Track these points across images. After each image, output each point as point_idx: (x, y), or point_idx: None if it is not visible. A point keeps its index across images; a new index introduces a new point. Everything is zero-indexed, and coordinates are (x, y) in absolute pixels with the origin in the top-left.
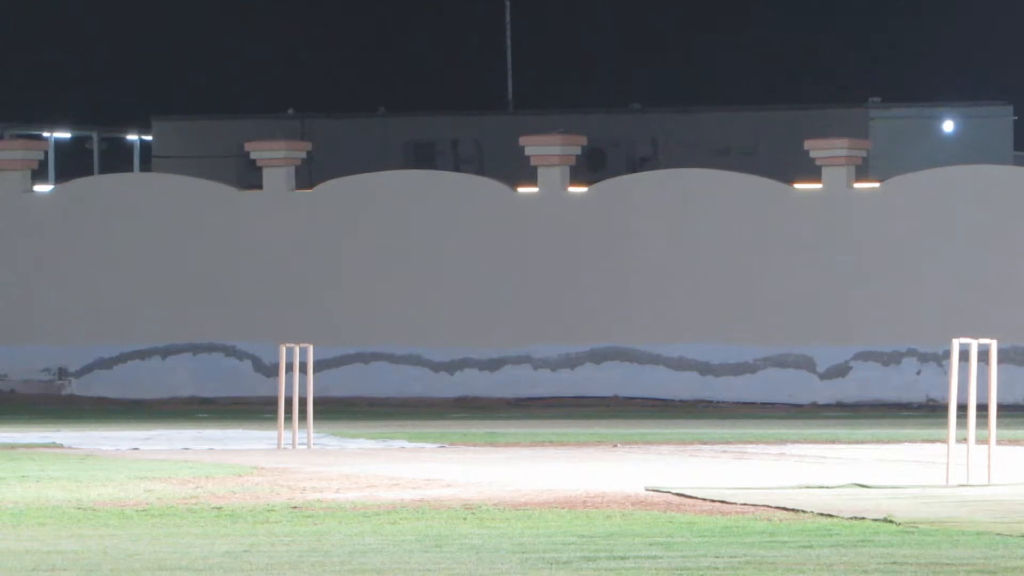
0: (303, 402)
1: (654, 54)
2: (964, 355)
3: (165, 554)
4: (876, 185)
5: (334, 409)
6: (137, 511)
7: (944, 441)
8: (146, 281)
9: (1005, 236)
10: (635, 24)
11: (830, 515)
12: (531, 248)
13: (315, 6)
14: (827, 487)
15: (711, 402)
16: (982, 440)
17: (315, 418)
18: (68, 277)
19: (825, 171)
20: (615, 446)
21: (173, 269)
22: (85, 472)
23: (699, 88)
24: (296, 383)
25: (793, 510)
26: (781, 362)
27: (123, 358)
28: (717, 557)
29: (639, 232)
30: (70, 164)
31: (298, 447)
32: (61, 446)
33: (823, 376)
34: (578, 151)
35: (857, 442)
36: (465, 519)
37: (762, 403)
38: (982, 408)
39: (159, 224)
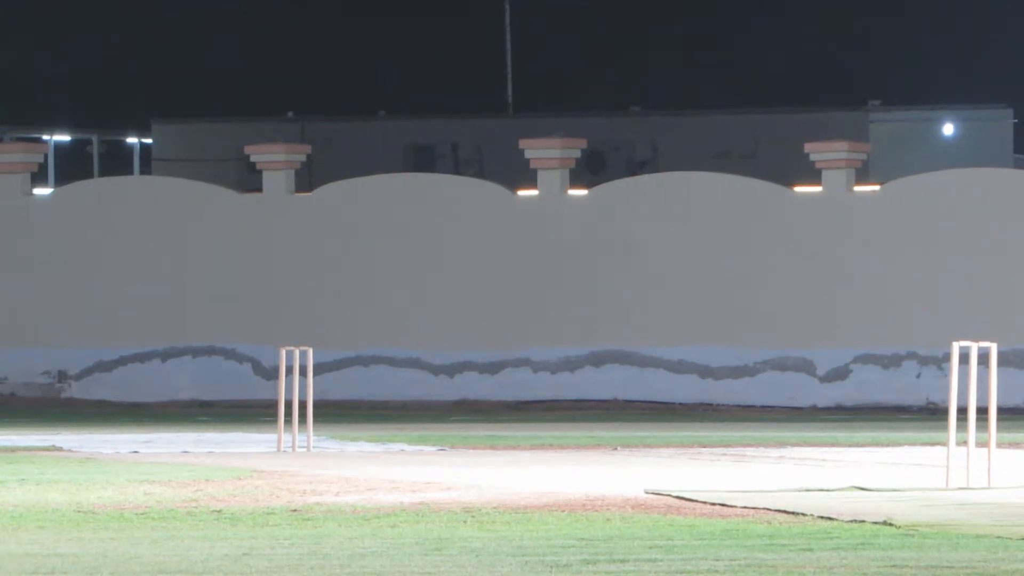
0: (303, 405)
1: (654, 57)
2: (964, 358)
3: (165, 557)
4: (876, 188)
5: (334, 412)
6: (137, 514)
7: (944, 444)
8: (146, 284)
9: (1005, 239)
10: (635, 27)
11: (830, 518)
12: (531, 251)
13: (315, 9)
14: (827, 490)
15: (711, 405)
16: (982, 443)
17: (315, 421)
18: (68, 280)
19: (825, 174)
20: (615, 449)
21: (173, 272)
22: (85, 475)
23: (699, 91)
24: (296, 386)
25: (793, 513)
26: (781, 365)
27: (123, 361)
28: (717, 560)
29: (639, 235)
30: (70, 167)
31: (298, 450)
32: (61, 449)
33: (823, 379)
34: (578, 154)
35: (857, 445)
36: (465, 522)
37: (762, 406)
38: (982, 411)
39: (159, 227)
